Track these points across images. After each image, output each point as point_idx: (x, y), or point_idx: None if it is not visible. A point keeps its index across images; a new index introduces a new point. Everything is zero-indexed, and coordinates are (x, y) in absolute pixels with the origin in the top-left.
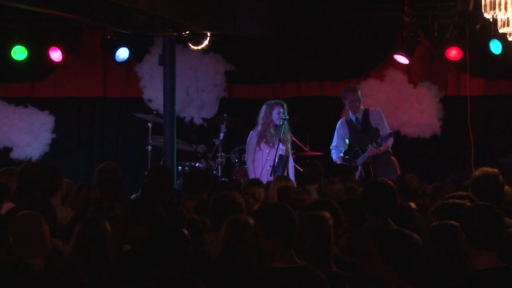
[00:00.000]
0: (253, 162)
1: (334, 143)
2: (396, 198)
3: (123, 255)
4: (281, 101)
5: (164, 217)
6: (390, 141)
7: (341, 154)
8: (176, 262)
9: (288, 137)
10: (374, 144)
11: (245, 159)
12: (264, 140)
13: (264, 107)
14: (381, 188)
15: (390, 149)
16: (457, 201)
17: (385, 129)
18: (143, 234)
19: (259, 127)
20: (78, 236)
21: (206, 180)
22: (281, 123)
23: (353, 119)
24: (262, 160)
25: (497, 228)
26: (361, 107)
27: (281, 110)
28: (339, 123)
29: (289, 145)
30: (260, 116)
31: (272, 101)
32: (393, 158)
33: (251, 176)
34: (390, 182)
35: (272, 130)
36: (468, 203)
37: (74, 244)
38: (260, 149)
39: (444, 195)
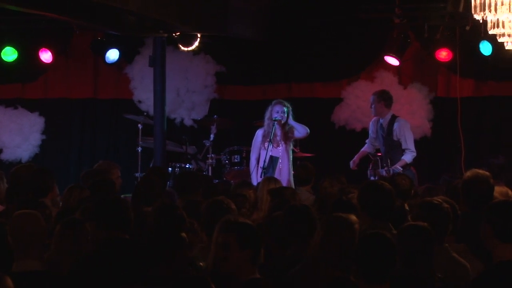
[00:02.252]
0: (257, 160)
1: (369, 137)
2: (394, 201)
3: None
4: (282, 100)
5: (129, 219)
6: (408, 156)
7: (369, 150)
8: (175, 264)
9: (292, 136)
10: (386, 170)
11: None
12: (267, 140)
13: (268, 107)
14: (380, 190)
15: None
16: (435, 200)
17: (406, 144)
18: (101, 236)
19: (264, 128)
20: (57, 236)
21: (198, 182)
22: (272, 124)
23: (380, 122)
24: (261, 161)
25: None
26: (389, 112)
27: (284, 109)
28: (372, 120)
29: (290, 144)
30: (265, 117)
31: (274, 101)
32: (412, 169)
33: (253, 174)
34: (387, 184)
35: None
36: (446, 204)
37: (54, 245)
38: (265, 148)
39: (436, 196)
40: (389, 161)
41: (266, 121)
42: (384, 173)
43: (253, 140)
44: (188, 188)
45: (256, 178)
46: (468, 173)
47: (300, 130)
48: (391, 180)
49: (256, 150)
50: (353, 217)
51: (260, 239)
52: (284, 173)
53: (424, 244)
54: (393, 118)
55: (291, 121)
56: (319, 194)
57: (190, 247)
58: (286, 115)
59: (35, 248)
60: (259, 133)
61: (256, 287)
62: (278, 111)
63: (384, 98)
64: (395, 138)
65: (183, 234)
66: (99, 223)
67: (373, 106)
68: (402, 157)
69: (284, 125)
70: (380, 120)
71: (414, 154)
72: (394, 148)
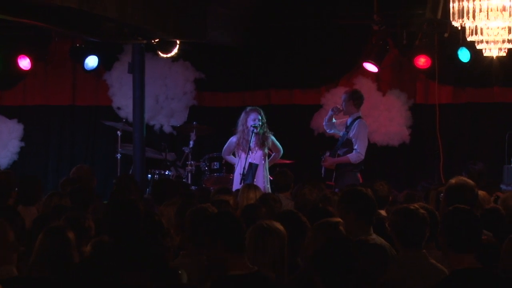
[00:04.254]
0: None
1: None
2: (375, 205)
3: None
4: (257, 108)
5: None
6: (354, 156)
7: (326, 122)
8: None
9: (267, 142)
10: (327, 154)
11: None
12: (241, 148)
13: (242, 114)
14: (365, 198)
15: (355, 165)
16: (411, 206)
17: (356, 144)
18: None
19: (238, 134)
20: (40, 245)
21: (175, 188)
22: (251, 131)
23: (347, 121)
24: (240, 168)
25: (476, 232)
26: (357, 113)
27: (259, 117)
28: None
29: (265, 151)
30: (238, 123)
31: (249, 108)
32: (359, 175)
33: (236, 163)
34: (369, 190)
35: (249, 137)
36: (422, 210)
37: (36, 253)
38: (239, 156)
39: (416, 202)
40: (336, 155)
41: (241, 128)
42: (327, 153)
43: (226, 145)
44: (165, 195)
45: (235, 184)
46: (453, 180)
47: (279, 151)
48: (369, 186)
49: (227, 150)
50: (337, 219)
51: (226, 228)
52: (260, 180)
53: None
54: (357, 118)
55: (276, 141)
56: (298, 201)
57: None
58: (261, 122)
59: (9, 255)
60: (232, 139)
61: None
62: (255, 119)
63: (353, 97)
64: (349, 136)
65: (167, 240)
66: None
67: (343, 104)
68: (348, 155)
69: (259, 132)
70: (348, 120)
71: (361, 157)
72: (346, 145)
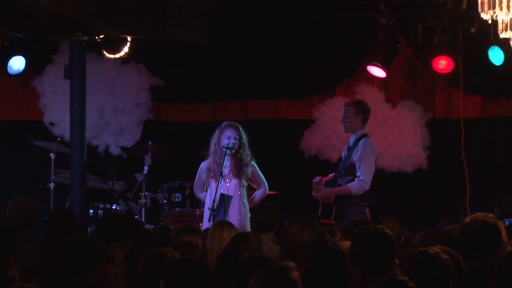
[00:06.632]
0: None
1: None
2: (395, 252)
3: None
4: (236, 123)
5: None
6: (355, 185)
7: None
8: None
9: (246, 170)
10: (317, 179)
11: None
12: (212, 174)
13: (216, 131)
14: (380, 240)
15: (361, 197)
16: (431, 250)
17: (360, 170)
18: None
19: (209, 157)
20: None
21: (126, 228)
22: (224, 153)
23: (349, 141)
24: (209, 201)
25: None
26: (363, 130)
27: (235, 135)
28: None
29: (242, 180)
30: (210, 143)
31: (225, 123)
32: (367, 212)
33: (206, 203)
34: (389, 231)
35: (222, 160)
36: (444, 255)
37: None
38: (209, 185)
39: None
40: (336, 185)
41: (213, 148)
42: (317, 179)
43: (197, 176)
44: (114, 235)
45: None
46: (467, 219)
47: (264, 186)
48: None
49: (200, 185)
50: (288, 263)
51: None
52: (234, 216)
53: None
54: (363, 136)
55: (259, 172)
56: (285, 242)
57: None
58: (239, 142)
59: None
60: (203, 166)
61: None
62: (230, 137)
63: (362, 111)
64: (353, 160)
65: None
66: None
67: (347, 120)
68: (348, 184)
69: (236, 155)
70: (350, 139)
71: (365, 186)
72: (349, 173)
